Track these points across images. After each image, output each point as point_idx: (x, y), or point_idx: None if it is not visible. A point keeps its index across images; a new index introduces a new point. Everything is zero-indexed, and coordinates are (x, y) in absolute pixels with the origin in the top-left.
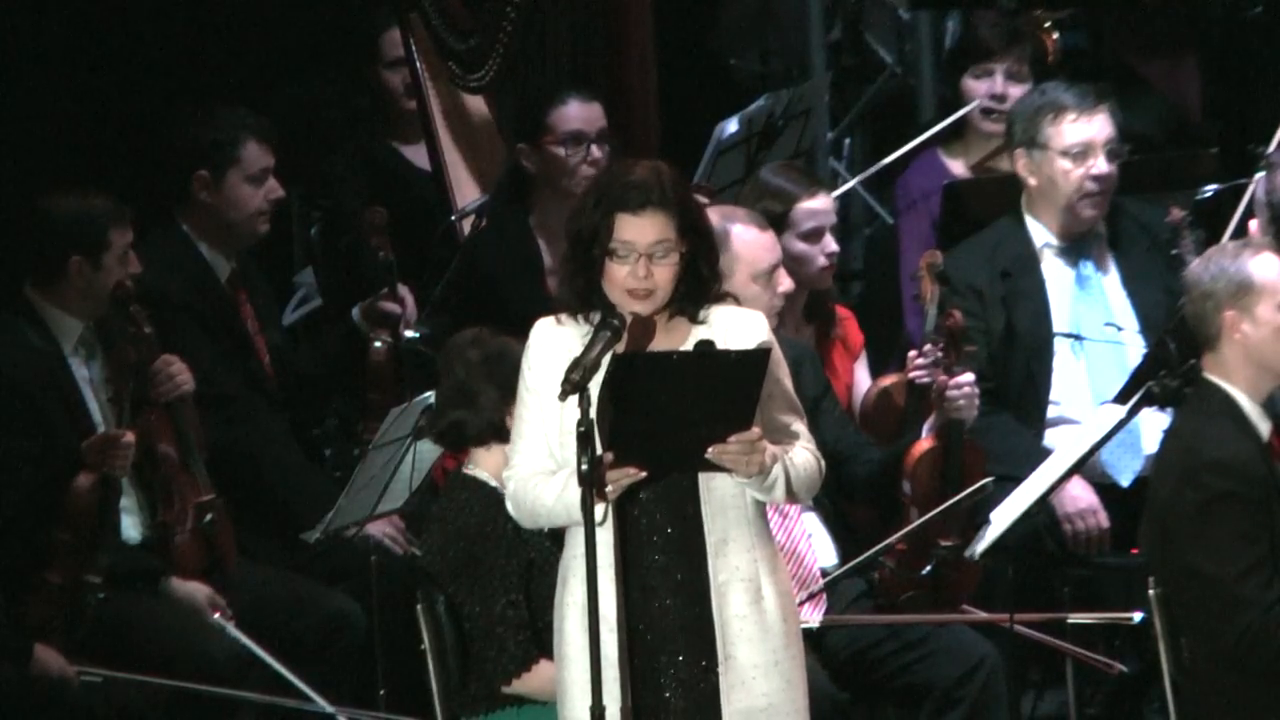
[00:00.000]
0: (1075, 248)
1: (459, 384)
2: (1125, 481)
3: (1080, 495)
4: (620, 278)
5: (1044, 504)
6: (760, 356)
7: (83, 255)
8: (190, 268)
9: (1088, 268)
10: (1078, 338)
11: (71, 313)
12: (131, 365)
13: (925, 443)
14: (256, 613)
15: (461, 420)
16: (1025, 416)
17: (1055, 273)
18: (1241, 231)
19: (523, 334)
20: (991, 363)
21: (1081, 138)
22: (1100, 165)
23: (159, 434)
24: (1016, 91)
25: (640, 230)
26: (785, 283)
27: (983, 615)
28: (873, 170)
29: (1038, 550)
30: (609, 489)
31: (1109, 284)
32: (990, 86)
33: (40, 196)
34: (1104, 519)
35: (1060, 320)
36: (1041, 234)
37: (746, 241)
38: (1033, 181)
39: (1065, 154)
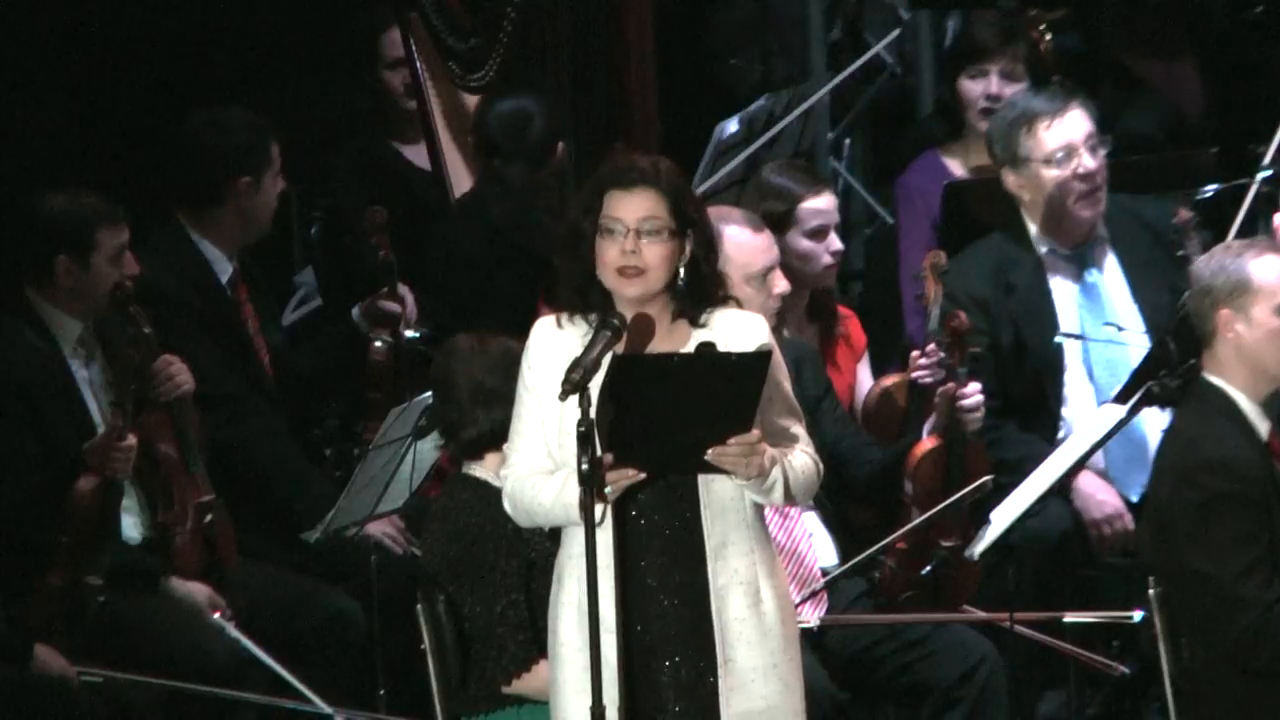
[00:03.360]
0: (1078, 255)
1: (476, 390)
2: (1134, 496)
3: (1106, 500)
4: (611, 256)
5: (1043, 503)
6: (760, 360)
7: (69, 255)
8: (191, 268)
9: (1092, 274)
10: (1080, 338)
11: (67, 313)
12: (134, 368)
13: (927, 443)
14: (256, 613)
15: (496, 424)
16: (1038, 430)
17: (1060, 281)
18: (1245, 231)
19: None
20: (1000, 376)
21: (1061, 141)
22: (1086, 162)
23: (159, 434)
24: (1012, 91)
25: (630, 206)
26: (781, 284)
27: (983, 615)
28: (813, 98)
29: (1064, 553)
30: (608, 490)
31: (1114, 288)
32: (986, 87)
33: (32, 195)
34: (1129, 522)
35: (1067, 327)
36: (1043, 243)
37: (740, 244)
38: (1026, 196)
39: (1049, 161)
